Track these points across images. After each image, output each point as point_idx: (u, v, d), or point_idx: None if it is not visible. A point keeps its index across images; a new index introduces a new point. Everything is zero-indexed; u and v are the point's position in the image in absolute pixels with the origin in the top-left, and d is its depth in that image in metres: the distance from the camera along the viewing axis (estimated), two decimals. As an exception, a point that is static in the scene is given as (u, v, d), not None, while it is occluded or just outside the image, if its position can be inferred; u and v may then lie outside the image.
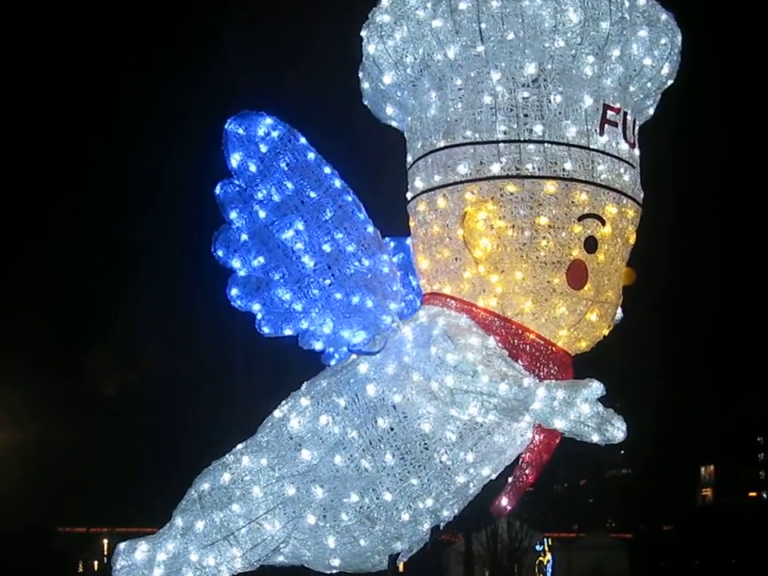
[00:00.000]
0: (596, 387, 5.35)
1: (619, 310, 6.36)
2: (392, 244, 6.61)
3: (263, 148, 5.98)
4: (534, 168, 5.82)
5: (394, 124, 6.62)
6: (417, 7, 6.02)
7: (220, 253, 6.09)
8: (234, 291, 6.11)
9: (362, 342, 6.06)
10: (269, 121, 6.00)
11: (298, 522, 6.03)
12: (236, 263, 6.09)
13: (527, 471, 6.05)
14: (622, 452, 58.56)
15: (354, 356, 6.14)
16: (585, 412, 5.29)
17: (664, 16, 6.17)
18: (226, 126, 6.00)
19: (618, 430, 5.36)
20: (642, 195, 6.21)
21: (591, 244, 5.88)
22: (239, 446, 6.28)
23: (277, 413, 6.25)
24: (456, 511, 6.18)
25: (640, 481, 51.64)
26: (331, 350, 6.34)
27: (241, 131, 5.99)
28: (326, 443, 5.97)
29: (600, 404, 5.35)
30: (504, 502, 6.08)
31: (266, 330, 6.15)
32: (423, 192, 6.15)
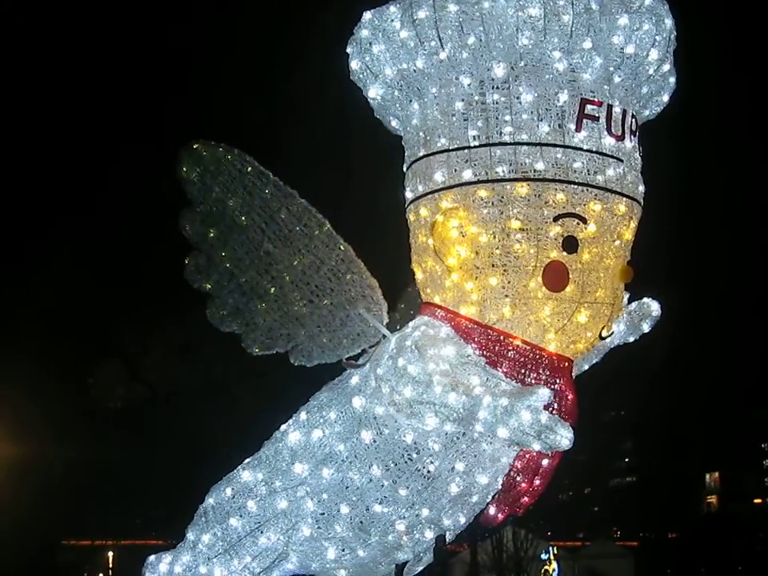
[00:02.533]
0: (541, 394, 5.22)
1: (656, 306, 6.30)
2: None
3: (218, 175, 5.96)
4: (504, 171, 5.68)
5: None
6: (391, 20, 5.99)
7: (191, 279, 6.07)
8: (214, 313, 6.09)
9: (352, 355, 6.08)
10: (220, 148, 5.99)
11: (293, 534, 6.05)
12: (210, 287, 6.07)
13: (518, 479, 5.96)
14: (627, 460, 58.65)
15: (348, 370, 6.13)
16: (525, 420, 5.16)
17: (648, 1, 5.90)
18: (179, 156, 5.99)
19: (561, 437, 5.18)
20: (640, 189, 5.99)
21: (571, 244, 5.69)
22: (245, 461, 6.34)
23: (282, 427, 6.28)
24: (462, 520, 6.09)
25: (645, 488, 51.60)
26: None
27: (193, 160, 5.98)
28: (316, 456, 5.99)
29: (543, 411, 5.21)
30: (492, 510, 6.05)
31: (254, 348, 6.13)
32: (411, 202, 6.12)
